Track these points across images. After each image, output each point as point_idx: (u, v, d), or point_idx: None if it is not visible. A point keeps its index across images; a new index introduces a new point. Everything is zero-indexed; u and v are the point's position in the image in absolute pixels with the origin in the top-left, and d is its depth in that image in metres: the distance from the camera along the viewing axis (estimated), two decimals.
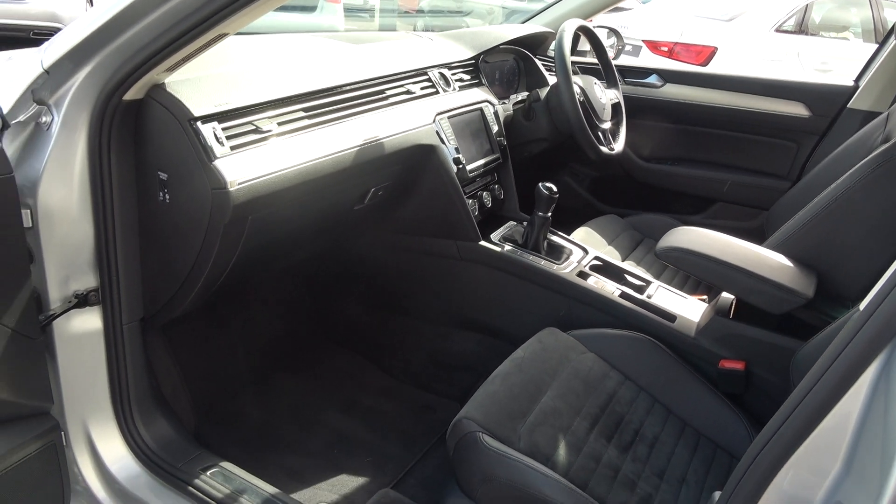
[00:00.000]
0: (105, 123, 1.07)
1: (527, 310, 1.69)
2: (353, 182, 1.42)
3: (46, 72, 1.05)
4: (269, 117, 1.20)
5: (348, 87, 1.42)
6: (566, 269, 1.67)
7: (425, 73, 1.70)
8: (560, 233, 1.84)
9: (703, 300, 1.70)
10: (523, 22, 2.49)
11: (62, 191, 1.07)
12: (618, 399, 1.38)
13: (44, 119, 1.06)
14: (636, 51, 5.52)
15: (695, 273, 1.50)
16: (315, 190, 1.29)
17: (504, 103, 2.01)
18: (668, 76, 2.41)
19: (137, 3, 0.97)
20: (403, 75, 1.62)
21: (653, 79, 2.41)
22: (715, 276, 1.44)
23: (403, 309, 1.91)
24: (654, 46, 5.48)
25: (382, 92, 1.52)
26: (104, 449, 1.25)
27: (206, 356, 1.68)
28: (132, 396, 1.28)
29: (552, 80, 2.21)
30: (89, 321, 1.19)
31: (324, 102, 1.33)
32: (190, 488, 1.24)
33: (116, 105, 1.07)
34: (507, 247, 1.71)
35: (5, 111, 1.04)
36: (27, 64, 1.07)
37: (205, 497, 1.23)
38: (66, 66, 1.04)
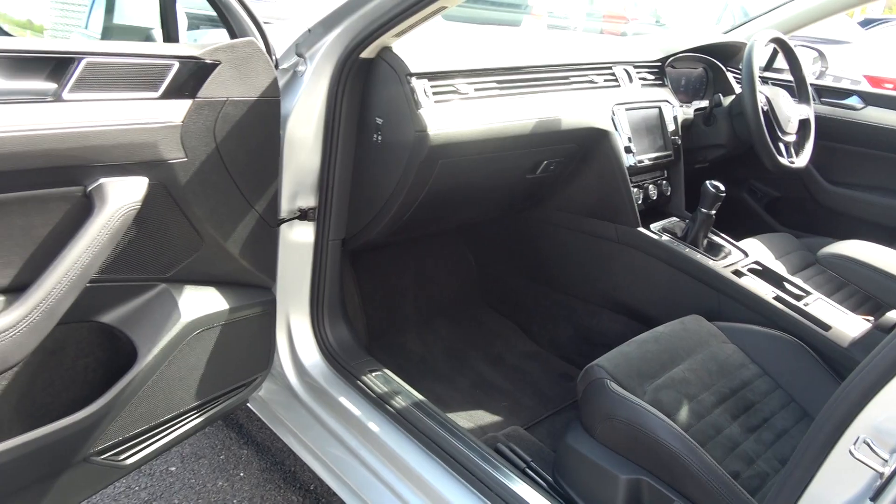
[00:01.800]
0: (343, 75, 1.36)
1: (675, 299, 1.76)
2: (529, 151, 1.61)
3: (308, 31, 1.36)
4: (468, 83, 1.43)
5: (537, 68, 1.61)
6: (721, 265, 1.71)
7: (610, 68, 1.84)
8: (723, 234, 1.87)
9: (868, 321, 1.65)
10: (727, 32, 2.52)
11: (304, 124, 1.38)
12: (752, 388, 1.42)
13: (300, 68, 1.38)
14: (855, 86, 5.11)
15: (858, 283, 1.49)
16: (496, 149, 1.50)
17: (685, 107, 2.08)
18: (871, 99, 2.30)
19: None
20: (589, 66, 1.78)
21: (853, 100, 2.31)
22: (881, 288, 1.42)
23: (558, 284, 2.05)
24: (876, 83, 5.05)
25: (567, 77, 1.69)
26: (297, 336, 1.55)
27: (383, 292, 1.96)
28: (325, 300, 1.57)
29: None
30: (304, 233, 1.50)
31: (514, 78, 1.54)
32: (357, 382, 1.50)
33: (354, 61, 1.35)
34: (665, 237, 1.79)
35: (278, 57, 1.37)
36: (297, 25, 1.40)
37: (368, 391, 1.48)
38: (320, 29, 1.35)
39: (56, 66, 0.90)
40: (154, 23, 1.14)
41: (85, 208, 0.98)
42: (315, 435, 1.54)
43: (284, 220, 1.42)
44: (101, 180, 0.97)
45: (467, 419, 1.67)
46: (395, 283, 2.01)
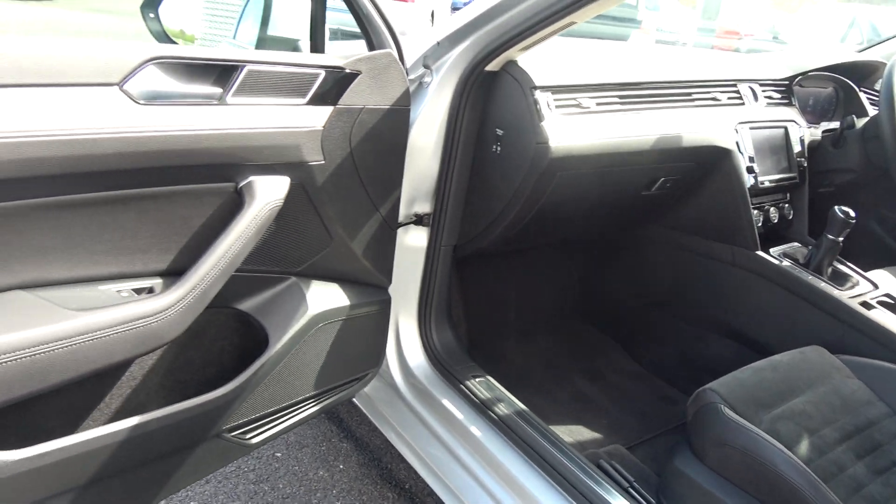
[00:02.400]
0: (467, 87, 1.40)
1: (794, 328, 1.68)
2: (647, 167, 1.59)
3: (437, 44, 1.41)
4: (590, 97, 1.44)
5: (659, 84, 1.59)
6: (848, 295, 1.62)
7: (734, 85, 1.79)
8: (850, 263, 1.77)
9: None
10: (861, 50, 2.38)
11: (426, 133, 1.43)
12: (879, 428, 1.33)
13: (426, 79, 1.43)
14: None
15: None
16: (614, 164, 1.49)
17: (812, 128, 1.99)
18: None
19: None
20: (712, 83, 1.73)
21: None
22: None
23: (665, 304, 2.01)
24: None
25: (689, 94, 1.66)
26: (404, 337, 1.61)
27: (485, 300, 1.99)
28: (433, 304, 1.61)
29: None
30: (418, 238, 1.55)
31: (636, 93, 1.53)
32: (461, 386, 1.53)
33: (479, 74, 1.39)
34: (786, 262, 1.71)
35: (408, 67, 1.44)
36: (426, 38, 1.45)
37: (471, 395, 1.50)
38: (448, 42, 1.40)
39: (222, 72, 0.98)
40: (301, 35, 1.22)
41: (234, 203, 1.07)
42: (417, 434, 1.58)
43: (402, 224, 1.47)
44: (251, 178, 1.06)
45: (566, 433, 1.66)
46: (497, 293, 2.03)
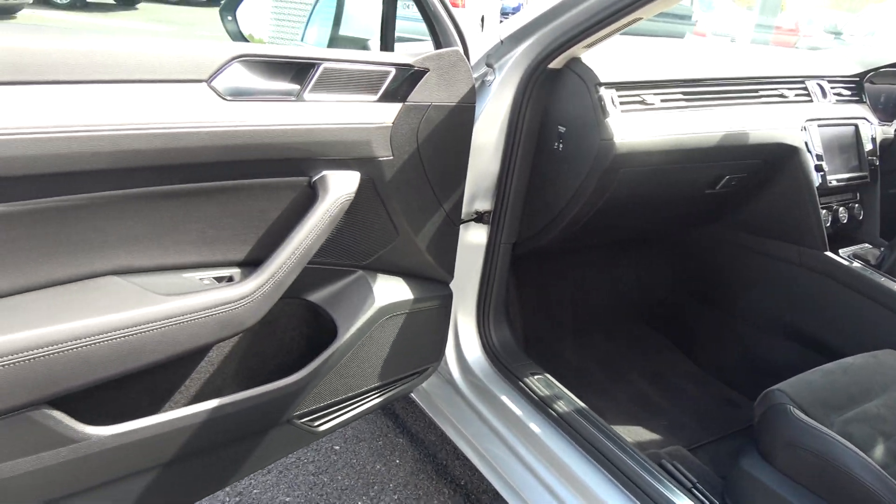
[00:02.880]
0: (529, 85, 1.41)
1: (865, 331, 1.62)
2: (712, 165, 1.56)
3: (500, 42, 1.43)
4: (654, 93, 1.43)
5: (725, 81, 1.57)
6: None
7: (802, 82, 1.75)
8: None
9: None
10: None
11: (487, 131, 1.45)
12: None
13: (488, 77, 1.45)
14: None
15: None
16: (678, 161, 1.47)
17: (885, 125, 1.92)
18: None
19: None
20: (779, 79, 1.70)
21: None
22: None
23: (727, 305, 1.97)
24: None
25: (756, 91, 1.63)
26: (462, 333, 1.62)
27: (542, 298, 1.99)
28: (492, 301, 1.62)
29: None
30: (478, 235, 1.56)
31: (701, 90, 1.51)
32: (519, 383, 1.53)
33: (542, 71, 1.40)
34: (857, 264, 1.66)
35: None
36: (489, 37, 1.47)
37: (530, 392, 1.51)
38: (511, 40, 1.41)
39: (300, 69, 1.02)
40: (370, 34, 1.25)
41: (307, 197, 1.10)
42: (475, 430, 1.59)
43: (463, 221, 1.49)
44: (324, 172, 1.09)
45: (626, 433, 1.65)
46: (553, 291, 2.03)
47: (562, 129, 1.44)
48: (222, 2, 1.33)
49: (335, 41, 1.21)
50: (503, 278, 1.62)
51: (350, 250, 1.23)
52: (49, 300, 0.84)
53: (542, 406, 1.47)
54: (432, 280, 1.41)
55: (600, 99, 1.35)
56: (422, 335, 1.41)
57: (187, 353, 0.94)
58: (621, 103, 1.38)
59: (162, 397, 1.03)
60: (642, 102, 1.41)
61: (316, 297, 1.21)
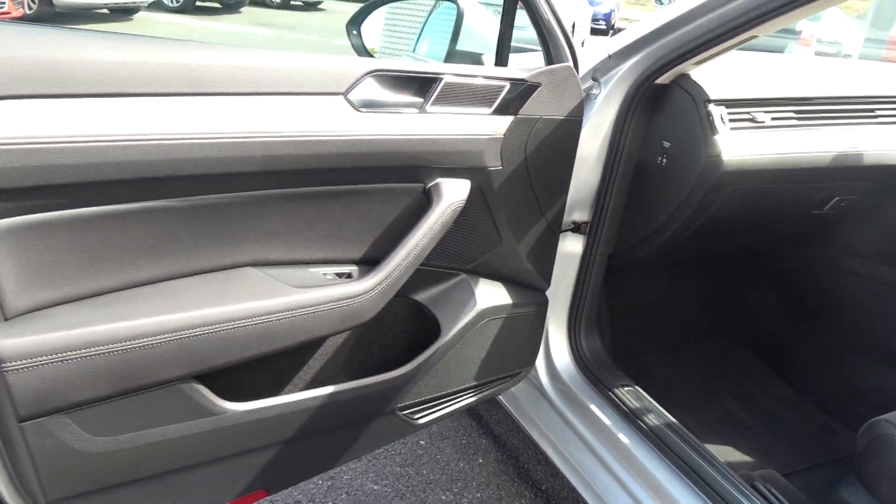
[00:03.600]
0: (635, 99, 1.43)
1: None
2: (820, 185, 1.53)
3: (608, 57, 1.45)
4: (765, 111, 1.42)
5: (839, 100, 1.53)
6: None
7: None
8: None
9: None
10: None
11: (590, 143, 1.48)
12: None
13: (593, 91, 1.47)
14: None
15: None
16: (786, 180, 1.45)
17: None
18: None
19: (688, 12, 1.29)
20: None
21: None
22: None
23: (829, 331, 1.90)
24: None
25: (872, 111, 1.58)
26: (553, 340, 1.65)
27: (631, 310, 1.99)
28: (584, 311, 1.65)
29: None
30: (574, 245, 1.59)
31: (814, 108, 1.48)
32: (609, 393, 1.55)
33: (648, 87, 1.42)
34: None
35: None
36: (595, 51, 1.50)
37: (619, 403, 1.52)
38: (620, 55, 1.43)
39: (423, 83, 1.09)
40: (484, 48, 1.31)
41: (421, 202, 1.17)
42: (561, 435, 1.62)
43: (560, 230, 1.52)
44: (438, 180, 1.16)
45: (716, 452, 1.63)
46: (646, 304, 2.02)
47: (666, 144, 1.45)
48: (351, 16, 1.43)
49: (452, 55, 1.27)
50: (597, 288, 1.64)
51: (455, 254, 1.29)
52: (199, 286, 0.95)
53: (631, 418, 1.49)
54: (529, 286, 1.45)
55: (709, 115, 1.35)
56: (517, 339, 1.46)
57: (310, 342, 1.03)
58: (730, 120, 1.37)
59: (283, 381, 1.13)
60: (752, 120, 1.40)
61: (422, 296, 1.28)
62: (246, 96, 0.90)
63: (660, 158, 1.47)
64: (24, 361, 0.76)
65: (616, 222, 1.57)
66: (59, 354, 0.79)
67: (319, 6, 13.85)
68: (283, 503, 1.74)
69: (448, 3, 1.42)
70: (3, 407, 0.78)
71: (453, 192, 1.16)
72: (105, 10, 9.65)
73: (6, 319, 0.79)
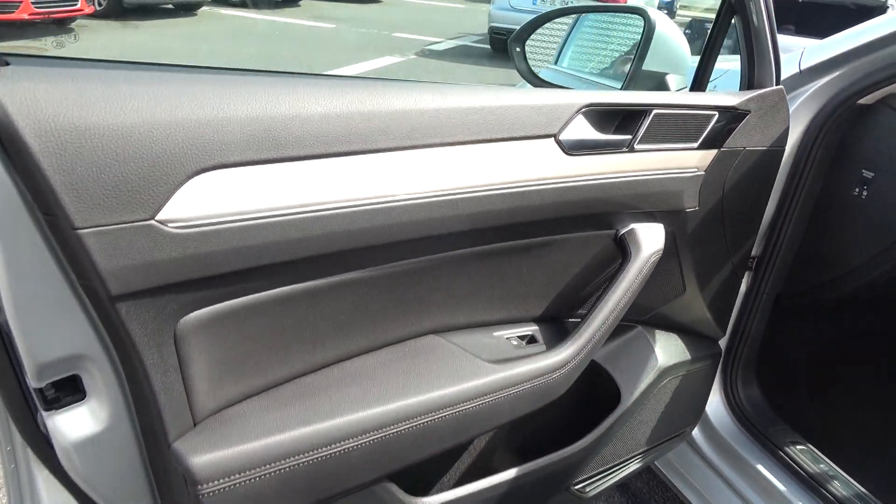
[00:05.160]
0: (829, 121, 1.23)
1: None
2: None
3: (799, 72, 1.26)
4: None
5: None
6: None
7: None
8: None
9: None
10: None
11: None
12: None
13: None
14: None
15: None
16: None
17: None
18: None
19: None
20: None
21: None
22: None
23: None
24: None
25: None
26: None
27: (784, 352, 1.77)
28: (743, 356, 1.46)
29: None
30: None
31: None
32: (779, 453, 1.36)
33: (848, 107, 1.21)
34: None
35: None
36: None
37: (793, 465, 1.33)
38: (812, 72, 1.24)
39: (629, 116, 0.92)
40: (671, 68, 1.14)
41: (610, 251, 1.01)
42: (722, 499, 1.44)
43: (751, 266, 1.34)
44: (632, 226, 0.99)
45: None
46: (798, 344, 1.81)
47: (868, 174, 1.25)
48: (515, 33, 1.27)
49: (637, 77, 1.10)
50: (759, 331, 1.45)
51: (634, 305, 1.12)
52: (388, 365, 0.81)
53: (809, 483, 1.30)
54: (704, 336, 1.28)
55: None
56: (689, 396, 1.29)
57: (505, 425, 0.88)
58: None
59: (461, 464, 0.99)
60: None
61: (598, 355, 1.12)
62: (460, 146, 0.75)
63: (857, 190, 1.27)
64: (221, 482, 0.64)
65: (789, 259, 1.38)
66: (256, 470, 0.66)
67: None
68: None
69: (634, 15, 1.24)
70: None
71: (651, 241, 0.99)
72: (170, 6, 9.74)
73: (195, 424, 0.67)
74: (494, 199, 0.79)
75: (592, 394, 1.14)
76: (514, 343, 0.95)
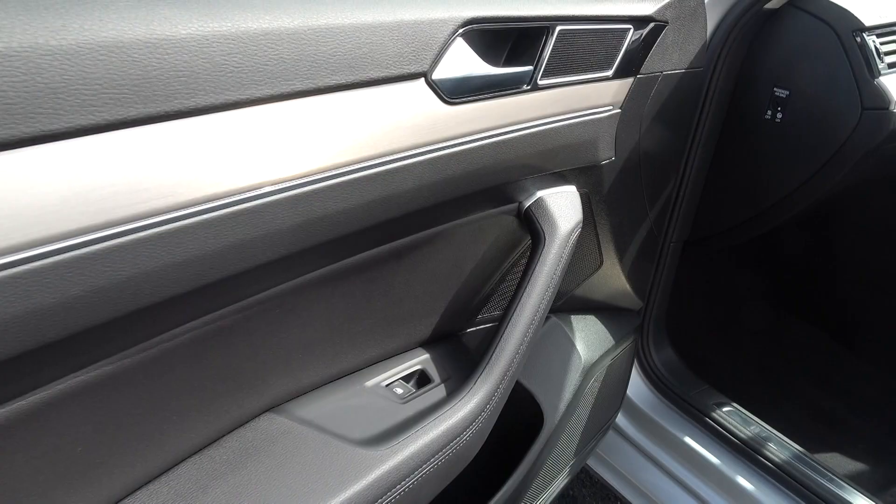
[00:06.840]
0: (732, 33, 1.02)
1: None
2: None
3: None
4: None
5: None
6: None
7: None
8: None
9: None
10: None
11: None
12: None
13: None
14: None
15: None
16: None
17: None
18: None
19: None
20: None
21: None
22: None
23: None
24: None
25: None
26: None
27: (691, 297, 1.63)
28: (651, 316, 1.27)
29: None
30: None
31: None
32: (705, 419, 1.20)
33: (753, 14, 1.00)
34: None
35: None
36: None
37: (724, 432, 1.18)
38: None
39: (526, 38, 0.62)
40: None
41: (512, 232, 0.72)
42: (652, 480, 1.26)
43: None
44: (538, 194, 0.71)
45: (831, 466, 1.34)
46: (695, 286, 1.67)
47: (782, 92, 1.06)
48: None
49: None
50: (668, 286, 1.26)
51: None
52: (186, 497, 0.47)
53: (740, 448, 1.15)
54: (622, 310, 1.05)
55: (862, 50, 0.96)
56: (612, 386, 1.07)
57: None
58: (886, 53, 0.99)
59: None
60: None
61: None
62: (266, 105, 0.41)
63: (769, 112, 1.08)
64: None
65: (695, 200, 1.19)
66: None
67: None
68: None
69: None
70: None
71: (566, 211, 0.72)
72: None
73: None
74: (337, 191, 0.46)
75: (512, 422, 0.87)
76: (399, 392, 0.65)
